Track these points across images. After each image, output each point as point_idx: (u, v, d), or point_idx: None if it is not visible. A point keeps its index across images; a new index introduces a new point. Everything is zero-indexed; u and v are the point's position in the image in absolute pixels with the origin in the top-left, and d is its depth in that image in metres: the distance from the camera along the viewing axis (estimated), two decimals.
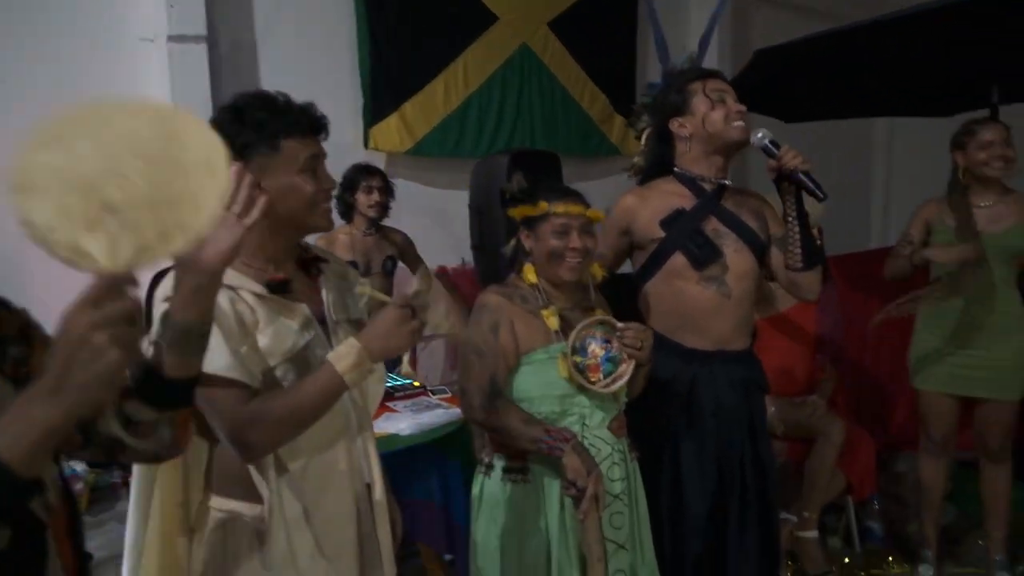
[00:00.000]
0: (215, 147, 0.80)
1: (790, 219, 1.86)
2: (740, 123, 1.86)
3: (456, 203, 4.06)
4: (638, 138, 2.11)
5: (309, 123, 1.30)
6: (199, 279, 1.00)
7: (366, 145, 4.17)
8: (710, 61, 4.50)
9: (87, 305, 0.72)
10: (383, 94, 4.21)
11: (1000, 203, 2.66)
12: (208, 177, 0.78)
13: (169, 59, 3.62)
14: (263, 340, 1.25)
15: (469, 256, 3.73)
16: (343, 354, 1.23)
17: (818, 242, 1.85)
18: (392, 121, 4.25)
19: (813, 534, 2.90)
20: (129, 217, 0.73)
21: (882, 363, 3.83)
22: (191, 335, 0.99)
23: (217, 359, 1.18)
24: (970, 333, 2.65)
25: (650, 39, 5.42)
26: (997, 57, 3.06)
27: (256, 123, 1.26)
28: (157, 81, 3.64)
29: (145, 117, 0.80)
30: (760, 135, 1.84)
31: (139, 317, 0.75)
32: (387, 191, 3.32)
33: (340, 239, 3.26)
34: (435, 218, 4.36)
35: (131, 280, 0.74)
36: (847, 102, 3.85)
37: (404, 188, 3.65)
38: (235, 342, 1.21)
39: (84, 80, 3.46)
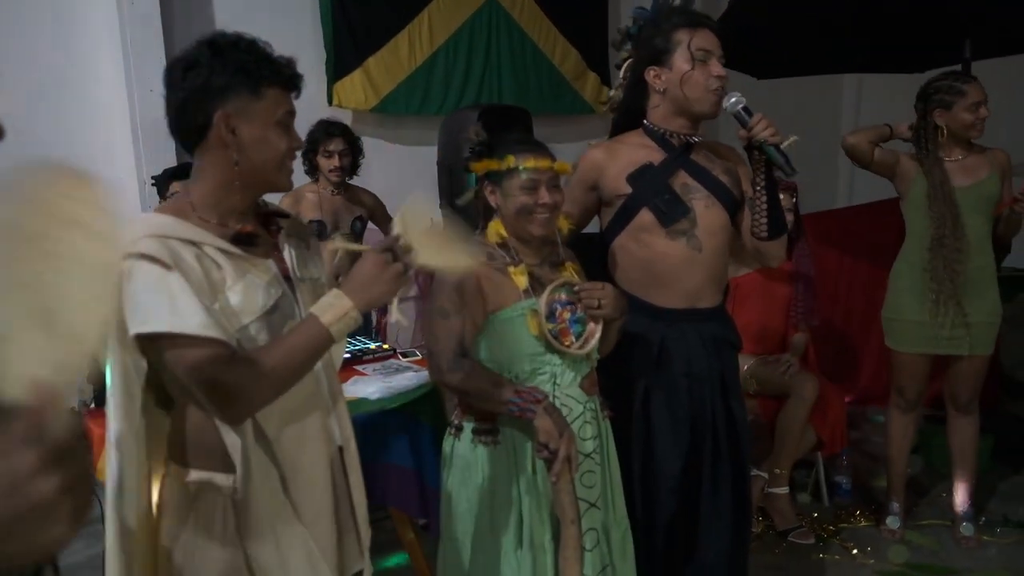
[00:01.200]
0: None
1: (758, 188, 1.82)
2: (715, 95, 1.80)
3: (424, 161, 3.96)
4: (618, 67, 2.03)
5: (290, 77, 1.24)
6: None
7: (330, 102, 4.05)
8: None
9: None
10: (346, 49, 4.09)
11: (969, 156, 2.64)
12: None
13: (119, 10, 3.46)
14: (234, 298, 1.18)
15: (437, 214, 3.65)
16: (327, 305, 1.16)
17: (788, 209, 1.80)
18: (356, 77, 4.13)
19: (784, 490, 2.92)
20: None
21: (852, 319, 3.86)
22: None
23: (191, 317, 1.10)
24: (945, 288, 2.63)
25: None
26: (969, 11, 3.02)
27: (240, 65, 1.18)
28: (108, 35, 3.48)
29: None
30: (733, 100, 1.79)
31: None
32: (353, 152, 3.22)
33: (307, 197, 3.16)
34: (402, 176, 4.25)
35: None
36: (819, 58, 3.81)
37: (370, 145, 3.55)
38: (206, 299, 1.14)
39: (33, 37, 3.30)
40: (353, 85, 4.12)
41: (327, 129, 3.16)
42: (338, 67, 4.07)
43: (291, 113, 1.24)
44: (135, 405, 1.20)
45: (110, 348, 1.16)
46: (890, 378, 2.92)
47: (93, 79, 3.49)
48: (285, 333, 1.19)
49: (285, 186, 1.28)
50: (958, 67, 3.17)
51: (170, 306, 1.10)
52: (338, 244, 1.34)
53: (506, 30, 4.68)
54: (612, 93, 1.99)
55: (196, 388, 1.14)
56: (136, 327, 1.12)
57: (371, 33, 4.16)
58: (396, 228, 1.24)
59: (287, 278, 1.28)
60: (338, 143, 3.15)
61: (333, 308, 1.15)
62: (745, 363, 2.83)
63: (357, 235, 3.15)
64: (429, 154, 3.71)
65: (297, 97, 1.28)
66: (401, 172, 4.25)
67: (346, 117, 3.98)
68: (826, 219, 3.94)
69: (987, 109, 2.58)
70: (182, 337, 1.10)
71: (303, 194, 3.14)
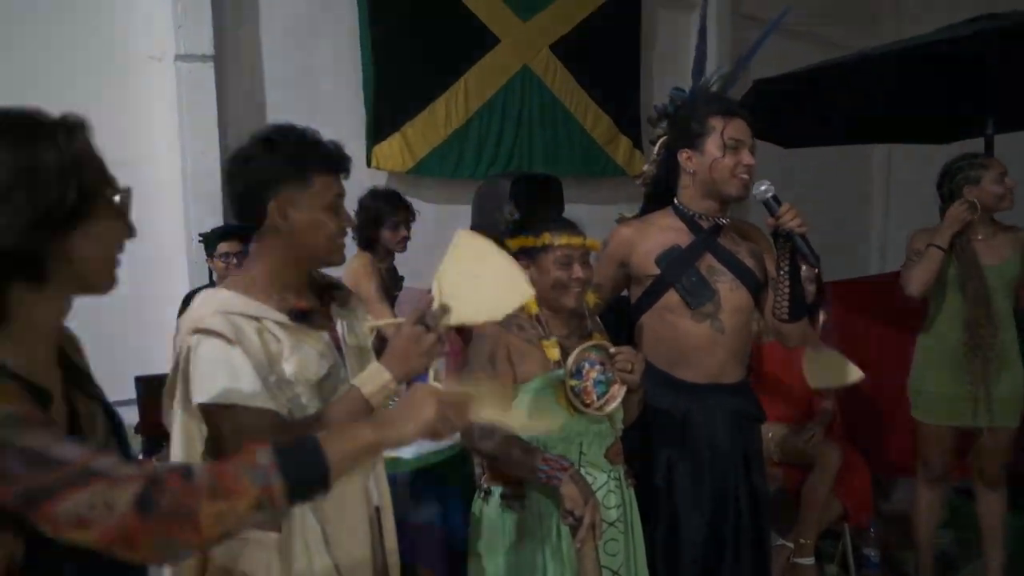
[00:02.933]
0: None
1: (782, 272, 1.89)
2: (744, 179, 1.88)
3: (455, 223, 4.08)
4: (652, 143, 2.13)
5: (338, 161, 1.35)
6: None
7: (368, 164, 4.21)
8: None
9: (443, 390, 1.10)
10: (385, 114, 4.26)
11: (995, 236, 2.69)
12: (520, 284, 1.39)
13: (177, 78, 3.67)
14: (288, 368, 1.28)
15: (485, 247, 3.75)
16: (368, 378, 1.26)
17: (810, 288, 1.87)
18: (394, 141, 4.30)
19: (810, 561, 2.91)
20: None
21: (880, 389, 3.84)
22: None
23: (248, 388, 1.21)
24: (970, 364, 2.66)
25: (654, 60, 5.51)
26: (992, 89, 3.10)
27: (288, 155, 1.30)
28: (164, 100, 3.69)
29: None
30: (763, 188, 1.86)
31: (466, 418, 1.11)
32: (411, 220, 3.30)
33: (356, 269, 3.10)
34: (435, 237, 4.38)
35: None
36: (845, 129, 3.90)
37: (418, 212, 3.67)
38: (264, 371, 1.25)
39: (93, 98, 3.49)
40: (391, 148, 4.29)
41: (395, 202, 3.21)
42: (377, 131, 4.24)
43: (340, 195, 1.36)
44: (189, 458, 1.30)
45: (176, 413, 1.26)
46: (917, 450, 2.92)
47: (147, 140, 3.68)
48: (330, 403, 1.29)
49: (337, 262, 1.39)
50: (982, 139, 3.24)
51: (231, 378, 1.22)
52: (374, 323, 1.43)
53: (538, 96, 4.85)
54: (645, 168, 2.08)
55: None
56: (199, 397, 1.23)
57: (410, 99, 4.34)
58: (433, 289, 1.33)
59: (338, 346, 1.39)
60: (404, 213, 3.23)
61: (373, 380, 1.26)
62: (770, 430, 2.85)
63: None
64: (462, 214, 3.84)
65: (346, 178, 1.40)
66: (435, 232, 4.38)
67: (382, 178, 4.14)
68: (855, 286, 3.97)
69: (1012, 181, 2.64)
70: (239, 408, 1.21)
71: (358, 268, 3.11)
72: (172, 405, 1.31)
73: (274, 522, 1.26)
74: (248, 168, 1.31)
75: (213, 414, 1.26)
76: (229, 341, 1.23)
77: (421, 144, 4.39)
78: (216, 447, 1.31)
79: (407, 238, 3.25)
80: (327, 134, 4.03)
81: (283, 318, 1.31)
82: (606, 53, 5.10)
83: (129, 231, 1.00)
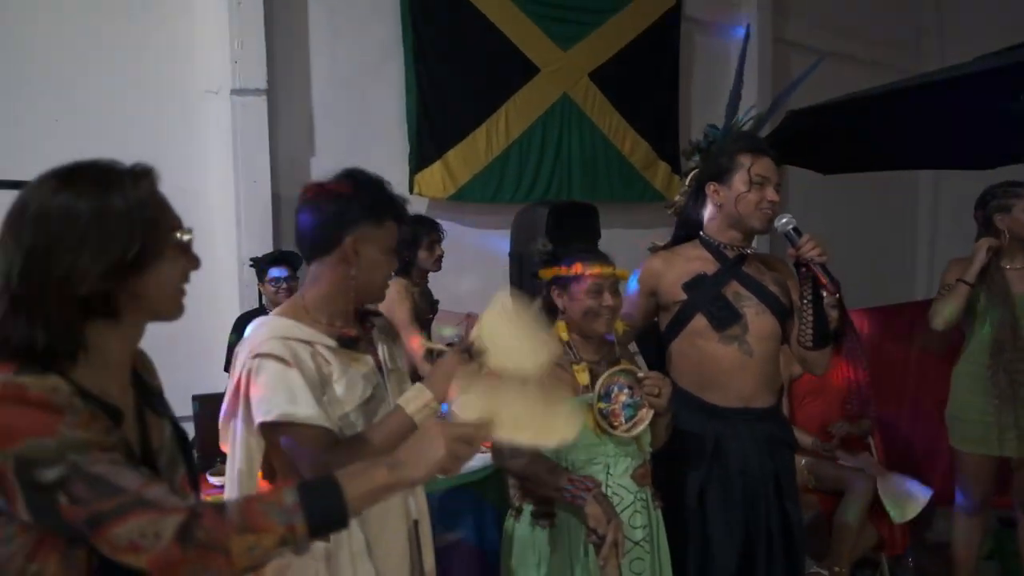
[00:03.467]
0: None
1: (805, 301, 1.95)
2: (767, 213, 1.95)
3: (495, 247, 4.20)
4: (686, 175, 2.21)
5: (403, 211, 1.50)
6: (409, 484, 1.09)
7: (411, 190, 4.34)
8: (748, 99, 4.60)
9: (452, 424, 1.12)
10: (428, 142, 4.39)
11: None
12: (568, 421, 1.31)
13: (232, 111, 3.85)
14: (339, 389, 1.40)
15: (523, 311, 3.85)
16: (411, 398, 1.37)
17: (833, 313, 1.92)
18: (436, 168, 4.42)
19: None
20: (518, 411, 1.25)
21: (920, 418, 3.81)
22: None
23: (305, 408, 1.32)
24: (1006, 392, 2.66)
25: (692, 85, 5.57)
26: None
27: (372, 198, 1.43)
28: (219, 131, 3.88)
29: None
30: (784, 221, 1.93)
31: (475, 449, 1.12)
32: (441, 239, 3.41)
33: (390, 295, 3.27)
34: (474, 262, 4.50)
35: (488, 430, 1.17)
36: (882, 156, 3.90)
37: (445, 232, 3.79)
38: (318, 392, 1.36)
39: (152, 130, 3.70)
40: (433, 175, 4.42)
41: (426, 223, 3.36)
42: (420, 159, 4.38)
43: (397, 240, 1.50)
44: (253, 477, 1.42)
45: (238, 430, 1.38)
46: (956, 478, 2.90)
47: (202, 170, 3.86)
48: (378, 422, 1.40)
49: (382, 299, 1.53)
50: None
51: (289, 398, 1.33)
52: (428, 345, 1.55)
53: (577, 124, 4.95)
54: (677, 198, 2.17)
55: (302, 466, 1.35)
56: (261, 416, 1.35)
57: (452, 127, 4.47)
58: (475, 330, 1.42)
59: (379, 369, 1.50)
60: (437, 233, 3.36)
61: (417, 400, 1.36)
62: (803, 458, 2.87)
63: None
64: (500, 239, 3.94)
65: (404, 226, 1.53)
66: (474, 256, 4.50)
67: (423, 205, 4.27)
68: (898, 312, 3.95)
69: None
70: (298, 425, 1.32)
71: (392, 294, 3.25)
72: (228, 425, 1.43)
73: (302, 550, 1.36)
74: (335, 201, 1.42)
75: (272, 432, 1.37)
76: (287, 364, 1.35)
77: (462, 171, 4.51)
78: (272, 462, 1.42)
79: (442, 256, 3.36)
80: (373, 163, 4.20)
81: (332, 343, 1.42)
82: (645, 80, 5.19)
83: (194, 264, 1.10)
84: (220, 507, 0.98)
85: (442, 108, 4.42)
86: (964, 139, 3.60)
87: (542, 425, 1.26)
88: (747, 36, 2.90)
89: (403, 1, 4.29)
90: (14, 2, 3.36)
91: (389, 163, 4.32)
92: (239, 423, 1.41)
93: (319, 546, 1.36)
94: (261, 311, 3.46)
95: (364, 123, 4.29)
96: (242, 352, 1.41)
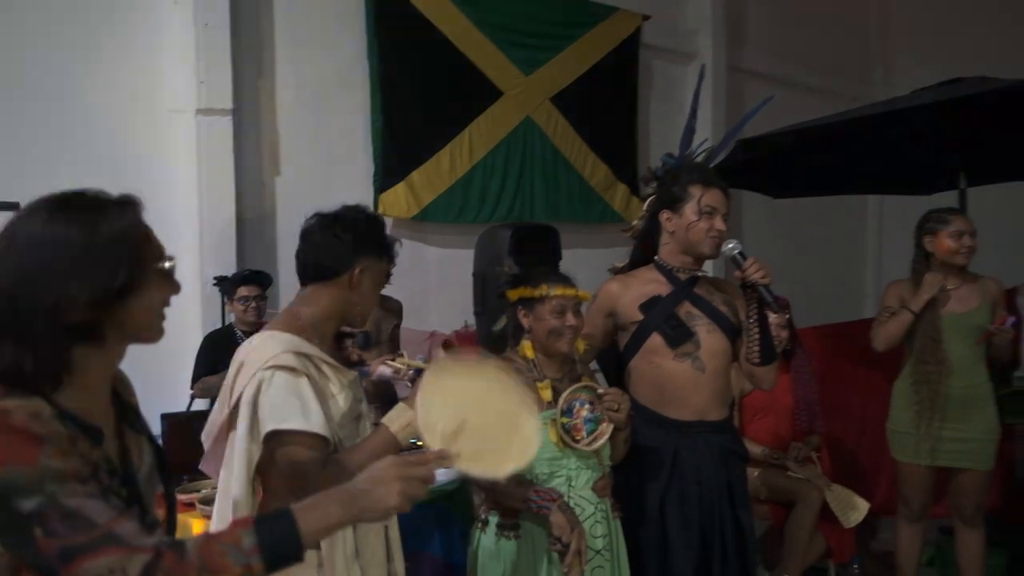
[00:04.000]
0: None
1: (751, 320, 2.08)
2: (715, 241, 2.08)
3: (458, 267, 4.28)
4: (643, 200, 2.33)
5: (393, 249, 1.62)
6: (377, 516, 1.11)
7: (375, 210, 4.40)
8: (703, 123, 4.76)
9: (407, 462, 1.10)
10: (392, 163, 4.46)
11: (964, 285, 2.86)
12: (528, 437, 1.31)
13: (197, 130, 3.88)
14: (340, 401, 1.49)
15: (471, 319, 3.94)
16: (395, 417, 1.45)
17: (783, 333, 2.03)
18: (400, 188, 4.50)
19: None
20: (475, 441, 1.21)
21: (866, 433, 3.98)
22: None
23: (315, 418, 1.40)
24: (944, 408, 2.82)
25: (651, 109, 5.75)
26: (964, 147, 3.31)
27: (381, 234, 1.57)
28: (184, 150, 3.90)
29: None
30: (731, 246, 2.06)
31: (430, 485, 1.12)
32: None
33: None
34: (438, 281, 4.58)
35: (446, 464, 1.16)
36: (829, 181, 4.10)
37: (409, 249, 3.87)
38: (323, 405, 1.43)
39: (116, 148, 3.72)
40: (397, 196, 4.49)
41: None
42: (384, 179, 4.45)
43: (387, 278, 1.64)
44: (250, 483, 1.48)
45: (242, 441, 1.44)
46: (897, 488, 3.05)
47: (167, 189, 3.85)
48: (363, 439, 1.48)
49: (363, 324, 1.64)
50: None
51: (303, 409, 1.40)
52: (406, 362, 1.63)
53: (540, 146, 5.08)
54: (635, 222, 2.28)
55: (301, 475, 1.41)
56: (273, 424, 1.41)
57: (416, 149, 4.55)
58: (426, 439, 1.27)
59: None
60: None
61: (400, 419, 1.45)
62: (755, 470, 3.00)
63: (393, 340, 3.42)
64: (464, 258, 4.03)
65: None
66: (438, 275, 4.58)
67: (387, 224, 4.33)
68: (843, 331, 4.12)
69: (972, 239, 2.80)
70: (304, 434, 1.40)
71: None
72: (221, 439, 1.49)
73: None
74: (352, 229, 1.53)
75: (278, 440, 1.42)
76: (299, 375, 1.42)
77: (426, 191, 4.59)
78: (265, 471, 1.48)
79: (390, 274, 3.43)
80: (338, 183, 4.30)
81: (330, 359, 1.51)
82: (605, 104, 5.35)
83: (175, 290, 1.15)
84: (181, 547, 1.01)
85: (406, 130, 4.50)
86: (904, 167, 3.81)
87: (499, 454, 1.27)
88: (702, 76, 3.04)
89: (369, 24, 4.38)
90: None
91: (354, 183, 4.39)
92: (242, 434, 1.45)
93: (310, 552, 1.42)
94: (229, 330, 3.48)
95: (329, 144, 4.35)
96: (250, 365, 1.46)
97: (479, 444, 1.23)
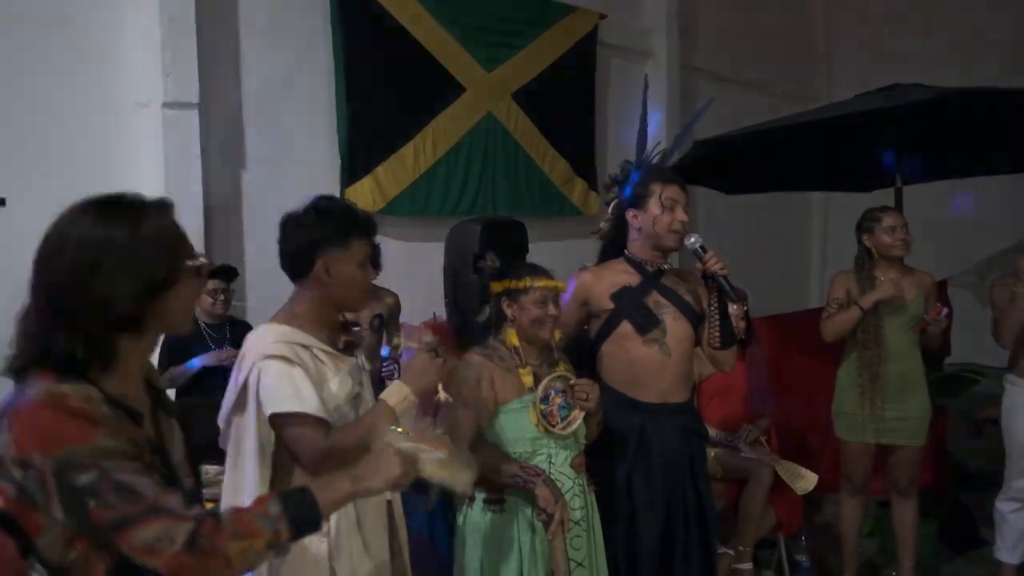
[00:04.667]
0: None
1: (712, 307, 2.27)
2: (678, 233, 2.25)
3: (425, 259, 4.37)
4: (608, 204, 2.50)
5: (369, 227, 1.69)
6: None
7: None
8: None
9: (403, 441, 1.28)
10: (358, 158, 4.51)
11: (902, 278, 3.10)
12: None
13: (163, 124, 3.88)
14: (333, 386, 1.60)
15: (440, 310, 4.05)
16: (392, 392, 1.58)
17: (740, 323, 2.22)
18: (366, 182, 4.55)
19: (748, 566, 3.24)
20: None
21: (811, 413, 4.23)
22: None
23: (309, 401, 1.53)
24: (883, 389, 3.06)
25: (608, 107, 5.92)
26: (898, 149, 3.58)
27: (334, 224, 1.63)
28: (150, 144, 3.90)
29: None
30: (692, 240, 2.24)
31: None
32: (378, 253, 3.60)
33: None
34: (405, 273, 4.66)
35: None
36: (778, 179, 4.34)
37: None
38: (318, 389, 1.55)
39: (82, 142, 3.71)
40: (363, 189, 4.55)
41: None
42: (351, 173, 4.51)
43: (368, 255, 1.68)
44: (266, 463, 1.60)
45: (251, 426, 1.54)
46: (841, 466, 3.29)
47: (133, 183, 3.80)
48: (364, 413, 1.60)
49: (362, 306, 1.75)
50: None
51: (295, 393, 1.52)
52: (399, 342, 1.75)
53: (501, 142, 5.19)
54: (601, 226, 2.45)
55: (303, 451, 1.55)
56: (272, 408, 1.54)
57: (381, 144, 4.62)
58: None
59: (359, 369, 1.71)
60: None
61: (397, 393, 1.57)
62: (712, 451, 3.20)
63: (376, 331, 3.52)
64: (429, 251, 4.13)
65: (374, 238, 1.71)
66: (404, 268, 4.67)
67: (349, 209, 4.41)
68: (790, 320, 4.37)
69: (904, 232, 3.04)
70: (302, 415, 1.52)
71: None
72: (231, 421, 1.60)
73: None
74: (301, 232, 1.63)
75: (279, 423, 1.55)
76: (291, 363, 1.54)
77: (391, 185, 4.66)
78: (274, 449, 1.60)
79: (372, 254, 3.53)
80: (303, 177, 4.37)
81: (327, 347, 1.62)
82: (564, 101, 5.48)
83: (203, 285, 1.26)
84: (217, 516, 1.13)
85: (371, 125, 4.56)
86: (845, 167, 4.07)
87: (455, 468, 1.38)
88: (646, 86, 3.22)
89: (333, 19, 4.42)
90: None
91: (320, 176, 4.44)
92: (250, 416, 1.58)
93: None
94: (194, 322, 3.53)
95: (295, 138, 4.39)
96: (249, 355, 1.60)
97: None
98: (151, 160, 3.90)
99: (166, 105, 3.87)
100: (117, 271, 1.12)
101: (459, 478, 1.35)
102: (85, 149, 3.71)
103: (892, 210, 3.16)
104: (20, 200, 3.28)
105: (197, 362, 3.35)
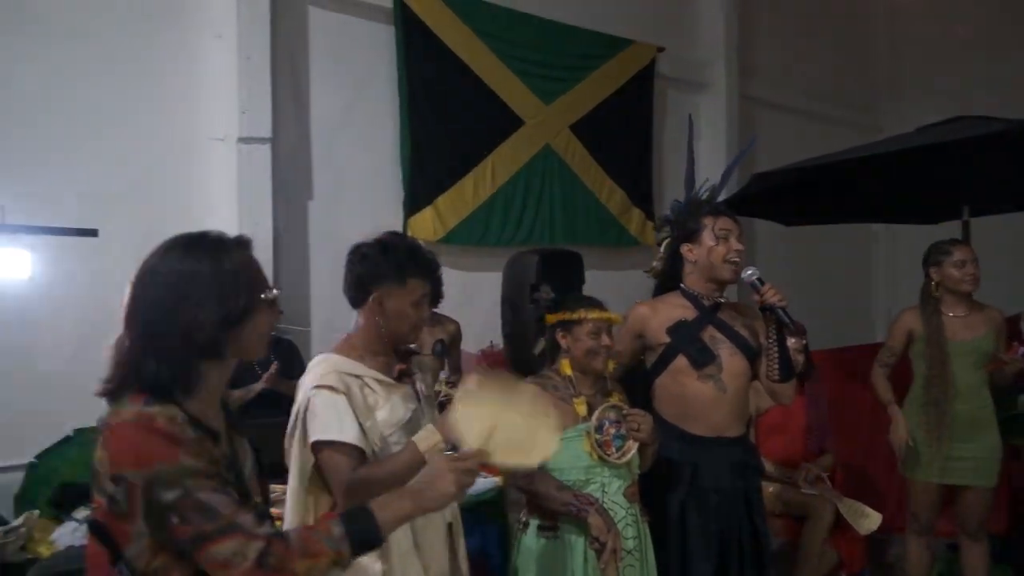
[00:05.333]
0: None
1: (770, 340, 2.26)
2: (734, 265, 2.27)
3: (482, 288, 4.46)
4: (659, 245, 2.54)
5: (430, 269, 1.76)
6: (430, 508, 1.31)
7: (404, 233, 4.60)
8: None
9: (456, 458, 1.32)
10: (420, 188, 4.66)
11: (971, 314, 3.03)
12: (551, 431, 1.47)
13: (238, 158, 4.10)
14: (382, 414, 1.67)
15: (497, 339, 4.11)
16: (424, 437, 1.62)
17: (799, 356, 2.20)
18: (427, 213, 4.70)
19: None
20: (505, 440, 1.38)
21: (875, 450, 4.12)
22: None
23: (349, 430, 1.59)
24: (951, 428, 2.98)
25: (665, 136, 5.96)
26: (966, 181, 3.50)
27: (395, 261, 1.71)
28: (224, 177, 4.11)
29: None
30: (749, 272, 2.25)
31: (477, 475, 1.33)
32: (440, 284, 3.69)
33: None
34: (463, 302, 4.75)
35: (485, 458, 1.36)
36: (839, 211, 4.28)
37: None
38: (363, 418, 1.62)
39: (165, 176, 3.93)
40: (424, 219, 4.69)
41: None
42: (413, 203, 4.65)
43: (426, 294, 1.76)
44: (303, 486, 1.67)
45: (295, 450, 1.62)
46: (907, 506, 3.20)
47: (207, 212, 4.03)
48: (394, 453, 1.65)
49: (413, 341, 1.80)
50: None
51: (338, 423, 1.60)
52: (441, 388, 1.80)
53: (558, 172, 5.28)
54: (654, 264, 2.49)
55: (334, 480, 1.61)
56: (316, 435, 1.61)
57: (442, 175, 4.76)
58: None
59: (417, 396, 1.78)
60: None
61: (427, 439, 1.61)
62: (770, 486, 3.16)
63: (438, 356, 3.60)
64: (487, 280, 4.21)
65: (436, 281, 1.79)
66: (463, 296, 4.75)
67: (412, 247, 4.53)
68: (854, 353, 4.28)
69: (974, 267, 2.98)
70: (339, 444, 1.59)
71: None
72: (290, 443, 1.68)
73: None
74: (364, 262, 1.72)
75: (318, 450, 1.63)
76: (337, 392, 1.63)
77: (452, 216, 4.79)
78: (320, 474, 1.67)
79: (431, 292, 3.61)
80: (368, 208, 4.53)
81: (380, 375, 1.70)
82: (621, 132, 5.55)
83: (277, 316, 1.35)
84: (285, 536, 1.21)
85: (433, 157, 4.71)
86: (909, 199, 4.00)
87: (527, 447, 1.44)
88: (691, 125, 3.25)
89: (399, 57, 4.60)
90: (31, 53, 3.57)
91: (384, 207, 4.60)
92: (297, 441, 1.67)
93: None
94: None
95: (360, 170, 4.56)
96: (305, 383, 1.68)
97: (509, 443, 1.41)
98: (225, 192, 4.12)
99: (241, 140, 4.09)
100: (202, 302, 1.21)
101: (526, 460, 1.44)
102: (168, 182, 3.94)
103: (962, 243, 3.10)
104: (111, 231, 3.48)
105: (254, 388, 3.48)
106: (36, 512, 2.71)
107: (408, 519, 1.33)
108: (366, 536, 1.24)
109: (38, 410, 3.26)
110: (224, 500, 1.16)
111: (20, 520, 2.62)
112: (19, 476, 3.16)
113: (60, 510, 2.74)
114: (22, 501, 3.03)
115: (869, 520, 3.10)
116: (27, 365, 3.37)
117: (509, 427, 1.41)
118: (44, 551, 2.50)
